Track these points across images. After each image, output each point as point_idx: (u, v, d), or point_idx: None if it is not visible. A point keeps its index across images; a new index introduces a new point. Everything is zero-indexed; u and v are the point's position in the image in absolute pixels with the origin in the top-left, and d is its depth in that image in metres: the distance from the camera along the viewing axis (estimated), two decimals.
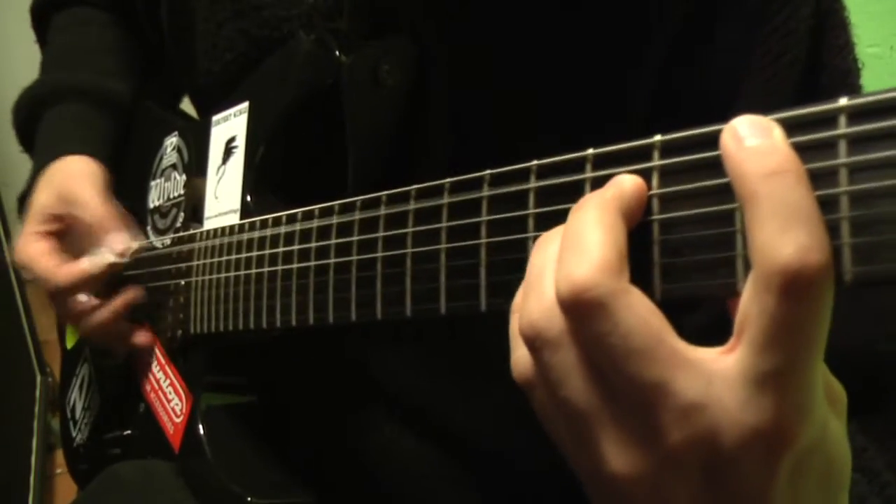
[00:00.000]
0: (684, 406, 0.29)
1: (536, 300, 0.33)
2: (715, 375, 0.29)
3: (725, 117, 0.39)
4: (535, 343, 0.33)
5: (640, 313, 0.30)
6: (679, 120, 0.42)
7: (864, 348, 0.48)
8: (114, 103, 0.81)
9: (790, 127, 0.31)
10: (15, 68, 0.98)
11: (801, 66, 0.51)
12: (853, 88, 0.53)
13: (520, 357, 0.34)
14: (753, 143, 0.30)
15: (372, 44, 0.57)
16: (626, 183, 0.34)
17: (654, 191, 0.34)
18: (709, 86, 0.52)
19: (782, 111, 0.31)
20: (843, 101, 0.29)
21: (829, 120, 0.30)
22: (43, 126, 0.81)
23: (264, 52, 0.64)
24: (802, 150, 0.30)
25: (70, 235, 0.75)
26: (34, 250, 0.73)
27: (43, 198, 0.75)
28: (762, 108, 0.47)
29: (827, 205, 0.29)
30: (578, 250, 0.31)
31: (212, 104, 0.69)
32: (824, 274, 0.28)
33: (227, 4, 0.66)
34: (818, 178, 0.30)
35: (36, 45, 0.94)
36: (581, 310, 0.30)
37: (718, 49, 0.52)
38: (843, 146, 0.29)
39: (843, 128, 0.29)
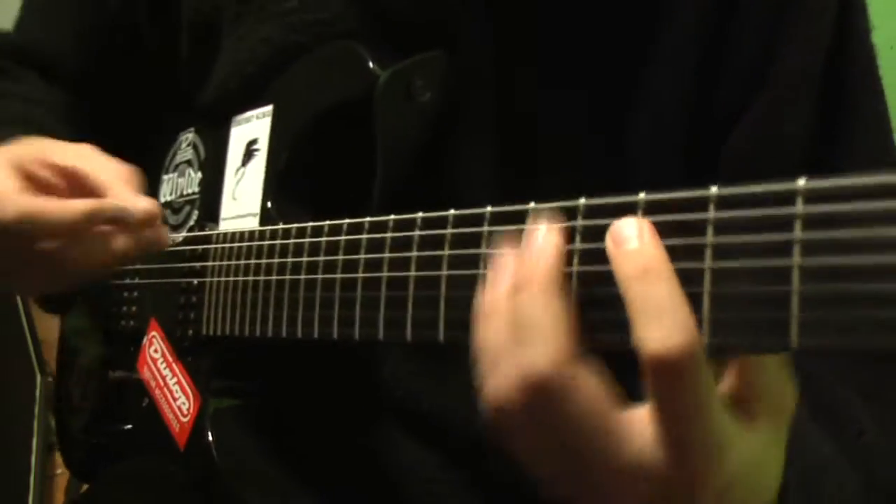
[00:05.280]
0: (629, 467, 0.36)
1: (497, 384, 0.38)
2: (645, 442, 0.36)
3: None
4: (503, 423, 0.38)
5: (593, 395, 0.36)
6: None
7: None
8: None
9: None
10: None
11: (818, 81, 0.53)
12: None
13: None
14: (626, 247, 0.35)
15: (408, 58, 0.56)
16: (551, 253, 0.38)
17: (709, 240, 0.35)
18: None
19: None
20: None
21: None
22: None
23: (287, 60, 0.64)
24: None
25: None
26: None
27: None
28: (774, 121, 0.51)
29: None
30: (534, 339, 0.36)
31: (226, 115, 0.69)
32: (687, 353, 0.33)
33: (252, 16, 0.66)
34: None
35: None
36: (545, 395, 0.36)
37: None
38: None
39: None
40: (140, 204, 0.57)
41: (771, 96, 0.54)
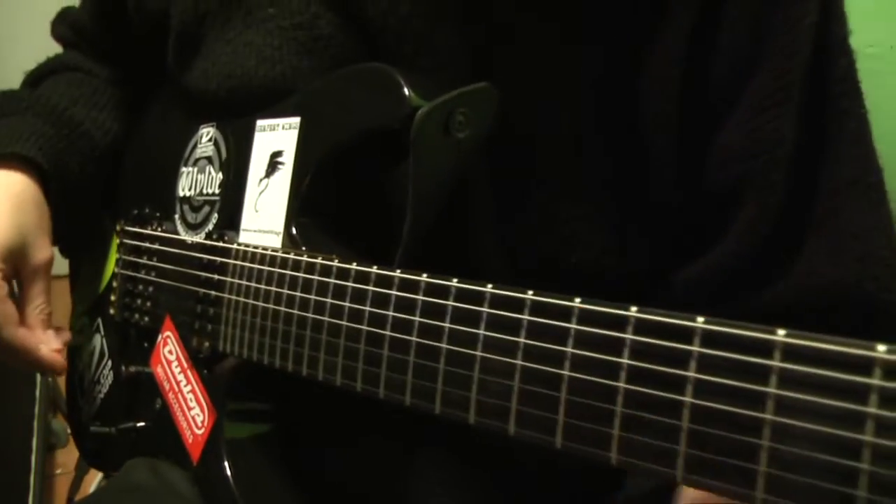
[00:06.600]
0: None
1: None
2: None
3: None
4: None
5: None
6: None
7: (852, 287, 0.52)
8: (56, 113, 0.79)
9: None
10: (17, 67, 0.92)
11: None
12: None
13: None
14: None
15: (452, 90, 0.53)
16: None
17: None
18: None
19: None
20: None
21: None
22: None
23: (275, 64, 0.64)
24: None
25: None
26: None
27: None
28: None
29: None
30: None
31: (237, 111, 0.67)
32: None
33: (240, 21, 0.66)
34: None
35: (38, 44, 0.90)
36: None
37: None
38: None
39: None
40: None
41: (755, 97, 0.53)
